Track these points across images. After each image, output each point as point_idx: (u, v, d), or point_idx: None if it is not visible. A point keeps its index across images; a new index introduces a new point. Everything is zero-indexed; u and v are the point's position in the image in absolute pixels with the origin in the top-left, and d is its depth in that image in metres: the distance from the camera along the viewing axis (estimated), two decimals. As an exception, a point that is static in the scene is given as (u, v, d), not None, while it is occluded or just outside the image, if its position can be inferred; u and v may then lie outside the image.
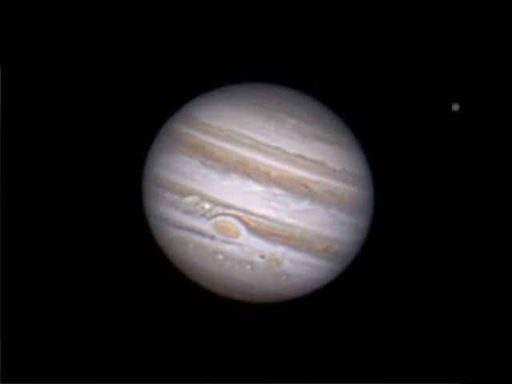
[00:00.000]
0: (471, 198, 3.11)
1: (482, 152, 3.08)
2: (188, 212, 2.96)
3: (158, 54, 3.37)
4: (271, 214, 2.91)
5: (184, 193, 2.97)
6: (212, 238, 2.95)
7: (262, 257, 2.95)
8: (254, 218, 2.91)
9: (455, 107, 3.20)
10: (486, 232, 3.04)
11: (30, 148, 3.32)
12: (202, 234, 2.96)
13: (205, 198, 2.93)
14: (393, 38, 3.23)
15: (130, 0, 3.28)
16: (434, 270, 3.20)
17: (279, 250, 2.95)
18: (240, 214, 2.91)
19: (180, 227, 3.00)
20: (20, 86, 3.28)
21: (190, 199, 2.96)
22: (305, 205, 2.93)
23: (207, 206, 2.94)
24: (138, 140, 3.31)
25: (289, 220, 2.92)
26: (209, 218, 2.94)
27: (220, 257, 2.98)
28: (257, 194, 2.90)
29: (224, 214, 2.93)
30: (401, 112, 3.28)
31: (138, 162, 3.26)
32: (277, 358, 3.29)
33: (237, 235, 2.93)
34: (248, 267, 2.98)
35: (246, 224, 2.91)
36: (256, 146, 2.93)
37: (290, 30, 3.34)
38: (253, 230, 2.91)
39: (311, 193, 2.94)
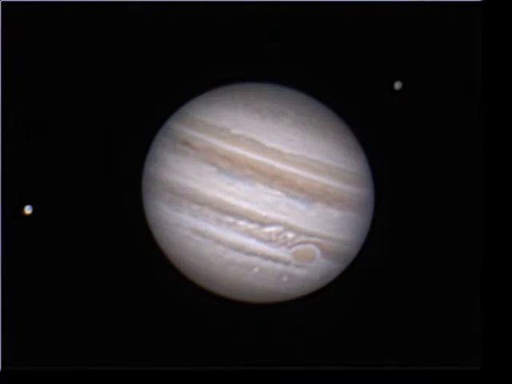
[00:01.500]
0: (472, 199, 3.23)
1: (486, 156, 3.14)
2: (267, 241, 2.93)
3: (157, 55, 3.26)
4: (347, 237, 3.05)
5: (265, 223, 2.91)
6: (286, 263, 2.99)
7: (321, 275, 3.10)
8: (332, 243, 3.02)
9: (397, 85, 3.32)
10: (485, 232, 3.12)
11: (30, 148, 3.21)
12: (276, 260, 2.97)
13: (289, 228, 2.93)
14: (396, 37, 3.29)
15: (131, 2, 3.17)
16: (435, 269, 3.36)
17: (337, 267, 3.13)
18: (321, 241, 2.99)
19: (251, 254, 2.95)
20: (20, 87, 3.18)
21: (273, 229, 2.92)
22: (365, 224, 3.13)
23: (290, 235, 2.94)
24: (138, 140, 3.20)
25: (353, 239, 3.10)
26: (289, 247, 2.96)
27: (285, 279, 3.03)
28: (337, 220, 3.00)
29: (306, 242, 2.97)
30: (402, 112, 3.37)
31: (138, 162, 3.18)
32: (276, 358, 3.35)
33: (312, 260, 3.02)
34: (306, 285, 3.10)
35: (323, 249, 3.01)
36: (330, 172, 2.99)
37: (290, 30, 3.28)
38: (327, 254, 3.03)
39: (368, 211, 3.14)
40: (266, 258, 2.94)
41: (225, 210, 2.91)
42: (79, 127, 3.25)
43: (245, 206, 2.89)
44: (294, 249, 2.94)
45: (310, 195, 2.93)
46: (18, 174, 3.18)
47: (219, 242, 2.94)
